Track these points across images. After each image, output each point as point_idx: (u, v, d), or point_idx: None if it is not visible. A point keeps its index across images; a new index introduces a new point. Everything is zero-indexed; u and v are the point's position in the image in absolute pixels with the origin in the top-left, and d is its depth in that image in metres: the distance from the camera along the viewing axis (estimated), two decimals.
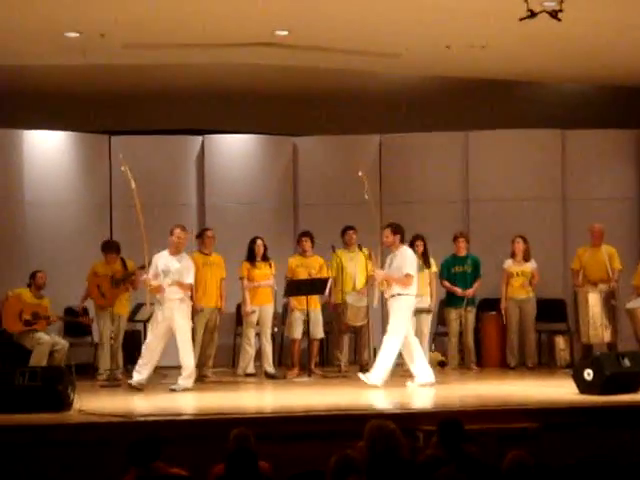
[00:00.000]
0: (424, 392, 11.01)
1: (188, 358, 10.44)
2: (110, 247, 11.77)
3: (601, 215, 12.79)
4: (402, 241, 10.74)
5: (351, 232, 12.14)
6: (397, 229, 10.73)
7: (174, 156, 12.88)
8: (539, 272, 12.53)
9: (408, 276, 10.58)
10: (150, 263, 10.50)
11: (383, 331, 13.32)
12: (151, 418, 8.43)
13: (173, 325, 10.41)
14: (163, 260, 10.50)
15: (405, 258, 10.61)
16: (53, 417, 8.31)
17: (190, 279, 10.61)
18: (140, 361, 10.45)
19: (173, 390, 10.29)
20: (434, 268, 12.38)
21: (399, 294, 10.52)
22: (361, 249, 12.10)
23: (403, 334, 10.53)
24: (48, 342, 11.16)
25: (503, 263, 12.56)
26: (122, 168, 10.61)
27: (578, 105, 14.21)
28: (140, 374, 10.39)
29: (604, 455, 6.88)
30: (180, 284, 10.51)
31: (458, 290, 12.44)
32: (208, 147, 13.60)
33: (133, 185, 10.40)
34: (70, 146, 13.21)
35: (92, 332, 11.81)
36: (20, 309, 11.31)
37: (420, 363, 10.63)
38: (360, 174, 10.82)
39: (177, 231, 10.60)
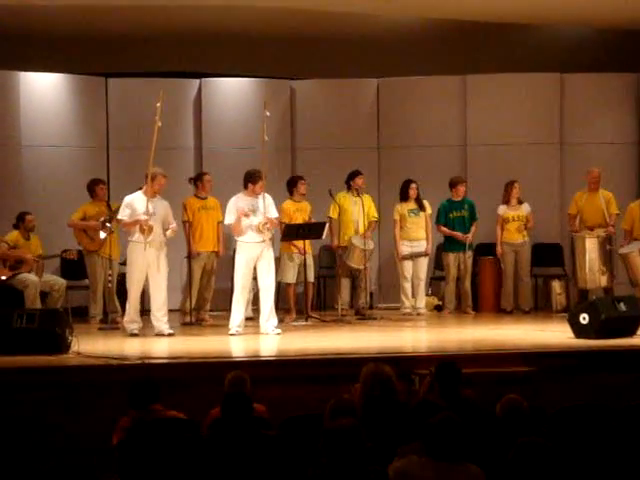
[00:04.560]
0: (420, 336, 11.10)
1: (164, 303, 10.45)
2: (98, 181, 11.74)
3: (599, 160, 12.78)
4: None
5: (359, 177, 12.10)
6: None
7: (171, 99, 12.78)
8: (534, 216, 12.55)
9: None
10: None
11: (381, 275, 13.47)
12: (149, 361, 8.46)
13: (154, 268, 10.35)
14: (141, 202, 10.39)
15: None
16: (51, 359, 8.34)
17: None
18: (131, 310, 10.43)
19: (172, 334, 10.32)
20: (429, 210, 12.39)
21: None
22: (358, 194, 12.07)
23: None
24: (34, 282, 11.00)
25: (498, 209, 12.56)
26: (267, 113, 10.62)
27: (577, 48, 14.12)
28: (138, 322, 10.39)
29: (598, 399, 6.93)
30: (172, 235, 10.51)
31: (459, 235, 12.42)
32: (205, 90, 13.54)
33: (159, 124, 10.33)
34: (67, 88, 13.14)
35: (88, 275, 11.77)
36: (2, 258, 11.25)
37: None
38: (267, 114, 10.72)
39: (162, 180, 10.47)
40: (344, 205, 12.03)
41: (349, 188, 12.13)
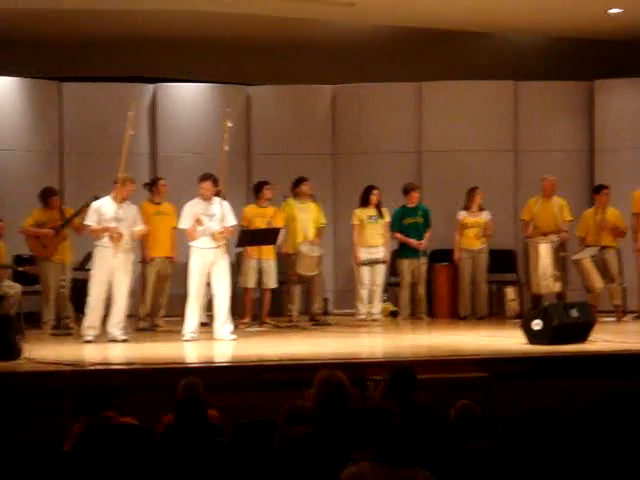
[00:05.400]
0: (375, 341, 11.11)
1: (124, 309, 10.41)
2: (52, 192, 11.63)
3: (552, 167, 12.89)
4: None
5: (305, 183, 12.12)
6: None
7: (126, 104, 12.74)
8: (493, 223, 12.62)
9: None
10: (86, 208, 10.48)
11: (336, 281, 13.49)
12: (102, 367, 8.42)
13: (119, 273, 10.31)
14: (110, 208, 10.36)
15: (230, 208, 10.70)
16: (2, 365, 8.25)
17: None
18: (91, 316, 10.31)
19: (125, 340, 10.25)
20: (387, 218, 12.41)
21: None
22: (314, 200, 12.11)
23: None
24: None
25: (456, 214, 12.61)
26: (229, 124, 10.64)
27: (530, 57, 14.24)
28: (96, 329, 10.29)
29: (551, 404, 6.97)
30: (141, 233, 10.50)
31: (413, 241, 12.45)
32: (160, 96, 13.49)
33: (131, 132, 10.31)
34: (20, 92, 13.02)
35: (40, 281, 11.67)
36: None
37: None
38: (229, 125, 10.74)
39: (131, 185, 10.46)
40: (291, 212, 12.03)
41: (295, 195, 12.15)
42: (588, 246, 11.99)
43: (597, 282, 11.49)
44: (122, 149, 10.26)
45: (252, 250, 11.69)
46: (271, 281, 11.93)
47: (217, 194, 10.73)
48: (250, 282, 11.81)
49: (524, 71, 13.89)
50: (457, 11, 12.55)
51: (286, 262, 12.21)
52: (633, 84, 13.56)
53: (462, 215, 12.61)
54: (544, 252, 11.71)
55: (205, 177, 10.58)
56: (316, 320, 11.98)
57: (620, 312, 12.05)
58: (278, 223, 11.85)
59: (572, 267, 11.91)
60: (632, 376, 8.59)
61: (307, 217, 12.04)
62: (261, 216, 11.89)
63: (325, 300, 12.74)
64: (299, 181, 12.14)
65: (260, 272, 11.73)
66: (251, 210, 11.92)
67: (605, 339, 9.82)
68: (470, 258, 12.57)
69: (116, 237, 10.14)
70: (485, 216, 12.61)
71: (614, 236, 12.12)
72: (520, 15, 12.81)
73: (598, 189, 12.41)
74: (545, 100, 13.61)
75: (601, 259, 11.73)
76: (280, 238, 11.64)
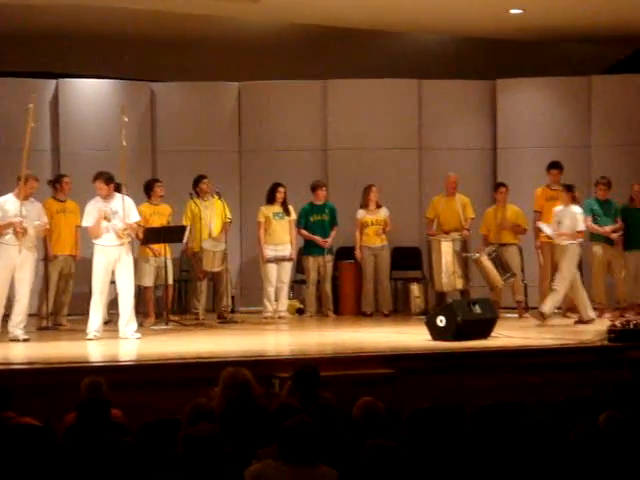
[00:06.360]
0: (281, 339, 11.14)
1: (26, 307, 10.27)
2: None
3: (456, 165, 13.03)
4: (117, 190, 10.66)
5: (203, 181, 12.09)
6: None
7: (27, 100, 12.55)
8: (392, 220, 12.71)
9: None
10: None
11: (242, 278, 13.46)
12: (2, 367, 8.27)
13: (22, 271, 10.16)
14: (13, 205, 10.19)
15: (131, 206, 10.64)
16: None
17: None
18: None
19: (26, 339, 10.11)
20: (293, 216, 12.43)
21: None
22: (220, 196, 12.08)
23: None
24: None
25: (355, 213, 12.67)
26: (125, 119, 10.59)
27: (434, 56, 14.38)
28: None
29: (455, 400, 7.05)
30: (42, 229, 10.35)
31: (318, 239, 12.50)
32: (62, 91, 13.30)
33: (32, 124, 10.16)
34: None
35: None
36: None
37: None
38: (125, 119, 10.73)
39: (34, 183, 10.32)
40: (195, 212, 12.00)
41: (197, 194, 12.11)
42: (490, 244, 12.14)
43: (497, 279, 11.63)
44: (24, 144, 10.10)
45: (151, 247, 11.61)
46: (170, 277, 11.83)
47: (118, 190, 10.65)
48: (148, 280, 11.70)
49: (428, 70, 14.01)
50: (362, 10, 12.60)
51: (192, 260, 12.16)
52: (534, 83, 13.78)
53: (361, 214, 12.68)
54: (446, 250, 11.85)
55: (95, 177, 10.54)
56: (223, 317, 11.95)
57: (522, 308, 12.24)
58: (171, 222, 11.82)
59: (474, 265, 12.05)
60: (533, 371, 8.75)
61: (211, 213, 12.01)
62: (157, 214, 11.83)
63: (232, 297, 12.71)
64: (198, 180, 12.13)
65: (158, 269, 11.66)
66: (146, 208, 11.79)
67: (507, 335, 9.98)
68: (372, 255, 12.65)
69: (20, 232, 10.01)
70: (383, 213, 12.70)
71: (515, 233, 12.31)
72: (424, 14, 12.92)
73: (495, 187, 12.59)
74: (448, 99, 13.74)
75: (501, 256, 11.85)
76: (186, 235, 11.59)
